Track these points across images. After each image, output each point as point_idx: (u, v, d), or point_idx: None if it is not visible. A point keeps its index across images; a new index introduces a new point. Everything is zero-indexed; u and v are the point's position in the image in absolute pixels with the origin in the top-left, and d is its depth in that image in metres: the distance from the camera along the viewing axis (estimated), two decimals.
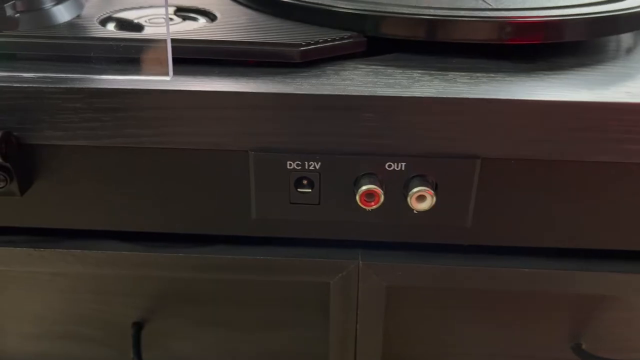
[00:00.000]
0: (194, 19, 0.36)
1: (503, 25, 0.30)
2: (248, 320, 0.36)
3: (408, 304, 0.34)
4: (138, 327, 0.37)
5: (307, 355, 0.37)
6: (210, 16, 0.36)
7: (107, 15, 0.35)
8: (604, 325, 0.34)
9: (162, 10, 0.36)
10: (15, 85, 0.28)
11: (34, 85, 0.28)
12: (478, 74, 0.30)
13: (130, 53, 0.29)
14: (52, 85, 0.28)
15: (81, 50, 0.30)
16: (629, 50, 0.35)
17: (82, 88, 0.28)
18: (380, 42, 0.32)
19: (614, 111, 0.27)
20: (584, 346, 0.35)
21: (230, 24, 0.33)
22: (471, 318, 0.35)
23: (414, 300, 0.34)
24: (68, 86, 0.28)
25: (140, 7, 0.36)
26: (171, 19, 0.35)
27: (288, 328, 0.36)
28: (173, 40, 0.29)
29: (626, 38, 0.37)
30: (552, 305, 0.34)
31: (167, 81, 0.28)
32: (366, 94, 0.27)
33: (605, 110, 0.27)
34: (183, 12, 0.36)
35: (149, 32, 0.33)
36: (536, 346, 0.36)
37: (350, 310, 0.34)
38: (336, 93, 0.27)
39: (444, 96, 0.27)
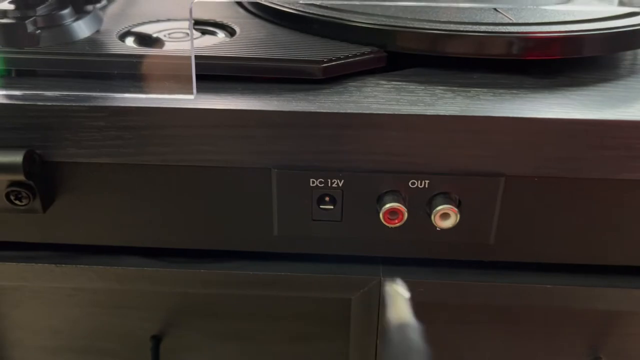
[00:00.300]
0: (213, 33, 0.36)
1: (525, 40, 0.30)
2: (267, 334, 0.36)
3: (429, 320, 0.34)
4: (157, 340, 0.37)
5: None
6: (229, 30, 0.36)
7: (126, 29, 0.35)
8: (625, 340, 0.34)
9: (180, 24, 0.36)
10: (39, 103, 0.28)
11: (58, 104, 0.28)
12: (500, 90, 0.30)
13: (152, 70, 0.29)
14: (76, 104, 0.28)
15: (102, 67, 0.30)
16: None
17: (106, 106, 0.28)
18: (400, 57, 0.32)
19: (638, 129, 0.27)
20: None
21: (250, 38, 0.33)
22: (492, 333, 0.35)
23: (435, 317, 0.34)
24: (92, 104, 0.28)
25: (158, 21, 0.36)
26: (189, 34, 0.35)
27: (308, 343, 0.36)
28: (195, 57, 0.29)
29: None
30: (573, 319, 0.34)
31: (190, 100, 0.28)
32: (390, 112, 0.27)
33: (630, 128, 0.27)
34: (201, 26, 0.36)
35: (169, 47, 0.33)
36: None
37: (371, 326, 0.34)
38: (360, 111, 0.27)
39: (469, 114, 0.27)
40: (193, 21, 0.37)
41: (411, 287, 0.32)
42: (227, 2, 0.41)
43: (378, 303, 0.33)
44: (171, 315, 0.37)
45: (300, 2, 0.36)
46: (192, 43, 0.28)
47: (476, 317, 0.34)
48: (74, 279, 0.33)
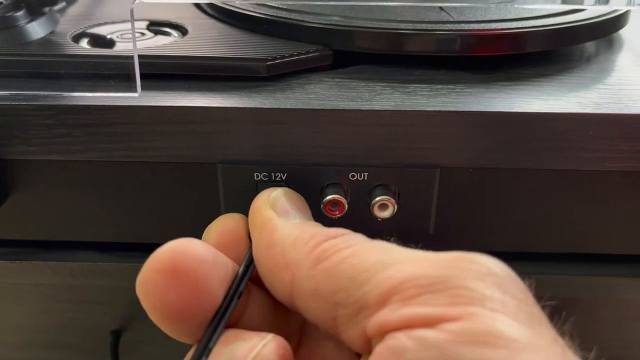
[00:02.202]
0: (166, 34, 0.36)
1: (462, 38, 0.32)
2: None
3: None
4: (116, 335, 0.38)
5: None
6: (182, 30, 0.37)
7: (81, 31, 0.36)
8: (569, 327, 0.36)
9: (136, 25, 0.37)
10: None
11: (7, 103, 0.28)
12: (438, 86, 0.31)
13: (99, 69, 0.30)
14: (25, 103, 0.28)
15: (52, 67, 0.31)
16: (588, 60, 0.36)
17: (54, 105, 0.28)
18: (346, 55, 0.33)
19: (565, 121, 0.28)
20: None
21: (200, 38, 0.34)
22: None
23: None
24: (40, 103, 0.29)
25: (113, 22, 0.37)
26: (143, 34, 0.36)
27: None
28: (141, 57, 0.30)
29: (588, 47, 0.39)
30: None
31: (135, 97, 0.29)
32: (327, 108, 0.28)
33: (557, 120, 0.28)
34: (156, 27, 0.37)
35: (120, 47, 0.33)
36: None
37: None
38: (298, 107, 0.28)
39: (402, 109, 0.28)
40: (147, 22, 0.38)
41: None
42: (186, 3, 0.42)
43: None
44: (129, 309, 0.38)
45: (256, 2, 0.37)
46: (134, 43, 0.29)
47: None
48: (29, 275, 0.34)
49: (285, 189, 0.26)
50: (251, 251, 0.24)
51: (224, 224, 0.25)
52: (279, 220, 0.23)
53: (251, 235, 0.24)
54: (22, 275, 0.34)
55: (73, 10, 0.41)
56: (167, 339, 0.38)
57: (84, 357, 0.40)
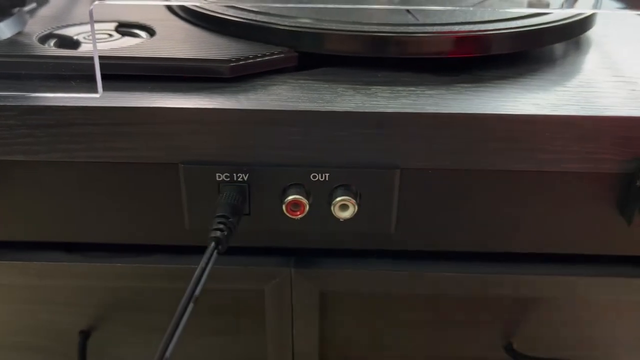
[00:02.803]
0: (134, 35, 0.37)
1: (422, 40, 0.32)
2: (189, 327, 0.37)
3: (343, 308, 0.35)
4: (85, 335, 0.38)
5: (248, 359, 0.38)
6: (150, 32, 0.37)
7: (48, 32, 0.36)
8: (533, 326, 0.36)
9: (104, 26, 0.37)
10: None
11: None
12: (399, 88, 0.31)
13: (61, 70, 0.30)
14: None
15: (15, 67, 0.31)
16: (554, 63, 0.36)
17: (16, 105, 0.29)
18: (311, 57, 0.34)
19: (521, 122, 0.28)
20: (515, 346, 0.37)
21: (167, 39, 0.35)
22: (405, 321, 0.36)
23: (348, 305, 0.35)
24: (2, 104, 0.29)
25: (81, 24, 0.37)
26: (111, 35, 0.36)
27: (228, 334, 0.37)
28: (104, 58, 0.30)
29: (555, 50, 0.39)
30: (483, 307, 0.35)
31: (96, 98, 0.29)
32: (288, 109, 0.28)
33: (513, 121, 0.28)
34: (124, 28, 0.37)
35: (84, 49, 0.34)
36: (469, 347, 0.37)
37: (285, 315, 0.35)
38: (259, 108, 0.28)
39: (361, 110, 0.28)
40: (116, 23, 0.38)
41: (320, 277, 0.34)
42: (158, 4, 0.42)
43: (290, 293, 0.34)
44: (97, 309, 0.38)
45: (226, 4, 0.37)
46: (94, 44, 0.29)
47: (387, 305, 0.35)
48: None
49: None
50: (208, 255, 0.24)
51: None
52: None
53: None
54: None
55: (44, 11, 0.41)
56: (135, 339, 0.39)
57: (52, 359, 0.39)
